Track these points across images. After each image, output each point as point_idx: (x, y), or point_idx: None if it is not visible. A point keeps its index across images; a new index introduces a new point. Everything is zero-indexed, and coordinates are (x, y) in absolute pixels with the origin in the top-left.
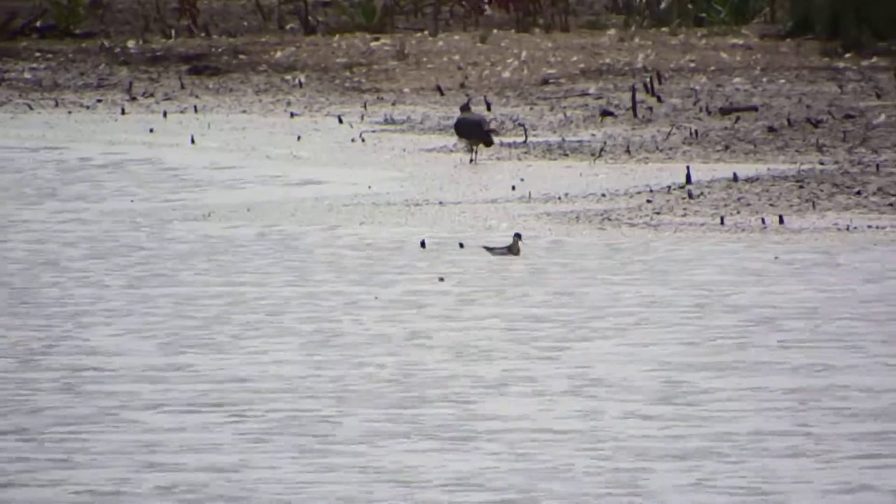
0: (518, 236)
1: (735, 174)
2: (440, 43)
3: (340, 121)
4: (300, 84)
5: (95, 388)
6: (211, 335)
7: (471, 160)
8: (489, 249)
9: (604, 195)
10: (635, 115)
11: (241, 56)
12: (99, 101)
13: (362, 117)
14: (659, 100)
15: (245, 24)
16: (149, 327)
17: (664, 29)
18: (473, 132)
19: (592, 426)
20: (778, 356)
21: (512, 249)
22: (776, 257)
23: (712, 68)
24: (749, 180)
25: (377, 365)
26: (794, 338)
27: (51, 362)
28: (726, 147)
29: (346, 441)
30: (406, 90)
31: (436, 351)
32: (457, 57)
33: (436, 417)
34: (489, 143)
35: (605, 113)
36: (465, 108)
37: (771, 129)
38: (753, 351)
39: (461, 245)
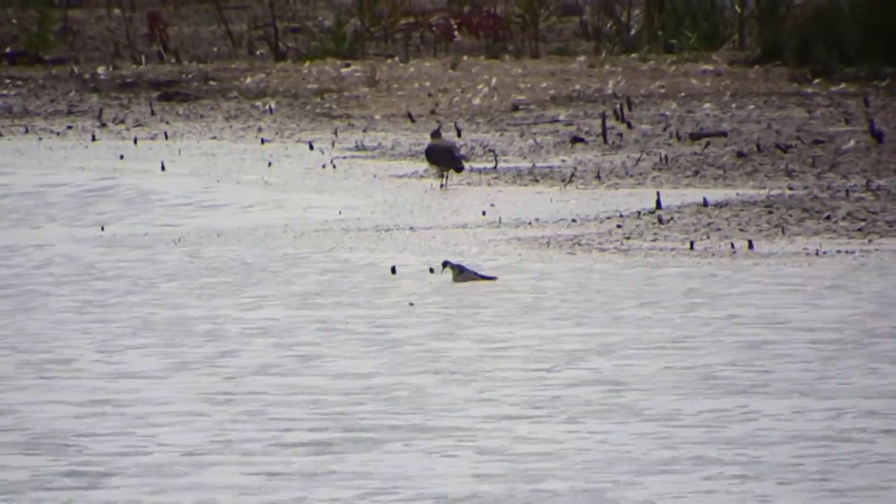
0: (447, 264)
1: (705, 199)
2: (411, 69)
3: (311, 147)
4: (270, 110)
5: None
6: (168, 357)
7: (441, 185)
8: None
9: (574, 220)
10: (605, 141)
11: (212, 82)
12: (69, 127)
13: (333, 143)
14: (629, 126)
15: (215, 50)
16: (104, 347)
17: (634, 55)
18: (444, 159)
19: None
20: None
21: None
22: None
23: (682, 94)
24: (718, 205)
25: (354, 375)
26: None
27: None
28: (696, 172)
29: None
30: (377, 116)
31: (406, 372)
32: (427, 83)
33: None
34: (459, 170)
35: (576, 139)
36: (435, 134)
37: (740, 155)
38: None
39: (431, 270)
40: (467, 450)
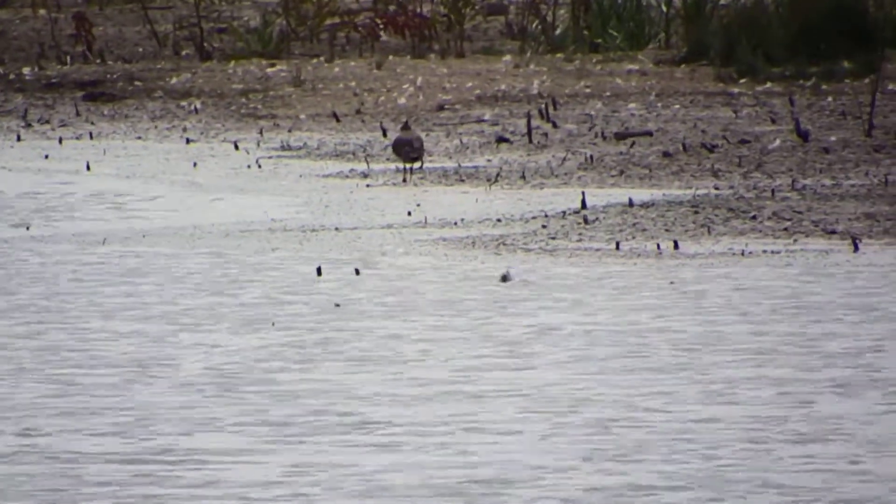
0: (506, 277)
1: (630, 199)
2: (336, 69)
3: (237, 147)
4: (196, 110)
5: None
6: (94, 359)
7: (403, 180)
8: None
9: (499, 220)
10: (531, 140)
11: (137, 82)
12: None
13: (258, 143)
14: (554, 125)
15: (140, 50)
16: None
17: (560, 55)
18: (399, 151)
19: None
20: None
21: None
22: (671, 282)
23: (608, 94)
24: (644, 205)
25: (275, 383)
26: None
27: None
28: (621, 172)
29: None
30: (302, 116)
31: (330, 368)
32: (353, 83)
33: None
34: (412, 162)
35: (501, 139)
36: (405, 126)
37: (666, 155)
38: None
39: (357, 271)
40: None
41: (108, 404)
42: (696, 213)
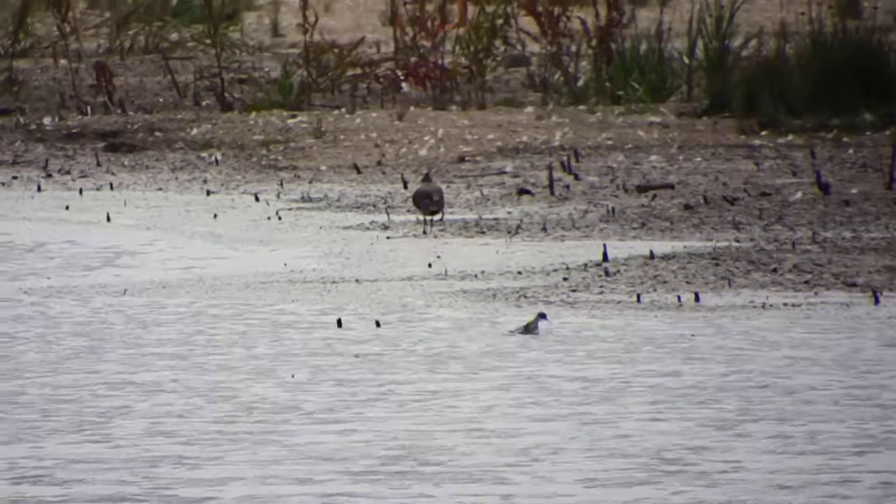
0: (542, 316)
1: (651, 252)
2: (357, 120)
3: (257, 198)
4: (216, 161)
5: None
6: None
7: (423, 231)
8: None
9: (520, 273)
10: (552, 192)
11: (157, 133)
12: (14, 177)
13: (279, 195)
14: (576, 177)
15: (161, 100)
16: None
17: (581, 107)
18: (418, 203)
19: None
20: None
21: (528, 328)
22: (692, 335)
23: (629, 146)
24: (665, 258)
25: (297, 436)
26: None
27: None
28: (643, 224)
29: None
30: (323, 168)
31: (353, 431)
32: (374, 134)
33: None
34: (431, 214)
35: (522, 191)
36: (425, 178)
37: (687, 207)
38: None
39: (377, 324)
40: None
41: (130, 454)
42: (717, 265)
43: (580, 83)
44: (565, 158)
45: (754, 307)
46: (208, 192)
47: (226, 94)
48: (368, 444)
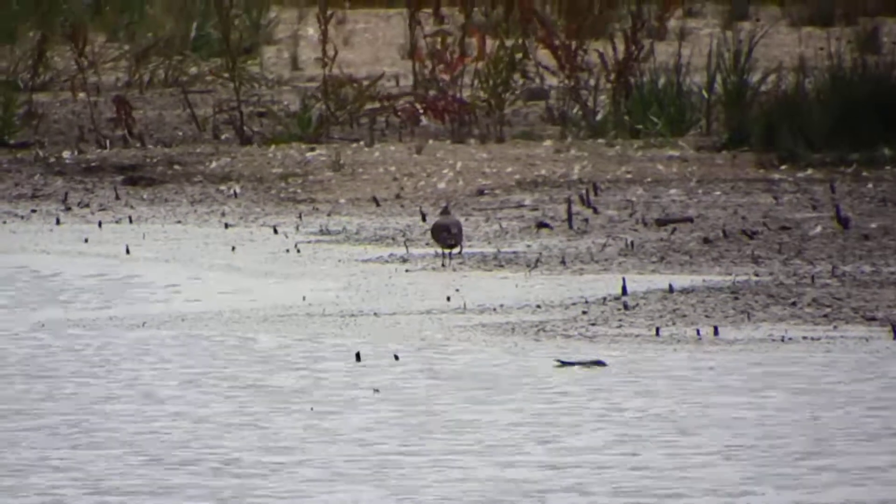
0: (600, 363)
1: (671, 285)
2: (376, 153)
3: (275, 231)
4: (235, 194)
5: None
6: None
7: (442, 265)
8: (564, 364)
9: (539, 306)
10: (571, 226)
11: (176, 166)
12: (34, 211)
13: (297, 228)
14: (595, 211)
15: (180, 133)
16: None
17: (600, 140)
18: (436, 236)
19: None
20: None
21: (599, 363)
22: (711, 368)
23: (648, 180)
24: (684, 291)
25: (316, 465)
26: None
27: None
28: (662, 258)
29: None
30: (342, 200)
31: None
32: (392, 168)
33: None
34: (450, 248)
35: (541, 224)
36: (444, 211)
37: (706, 241)
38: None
39: (396, 357)
40: None
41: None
42: (736, 299)
43: (599, 117)
44: (584, 192)
45: (773, 341)
46: (227, 225)
47: (245, 128)
48: None
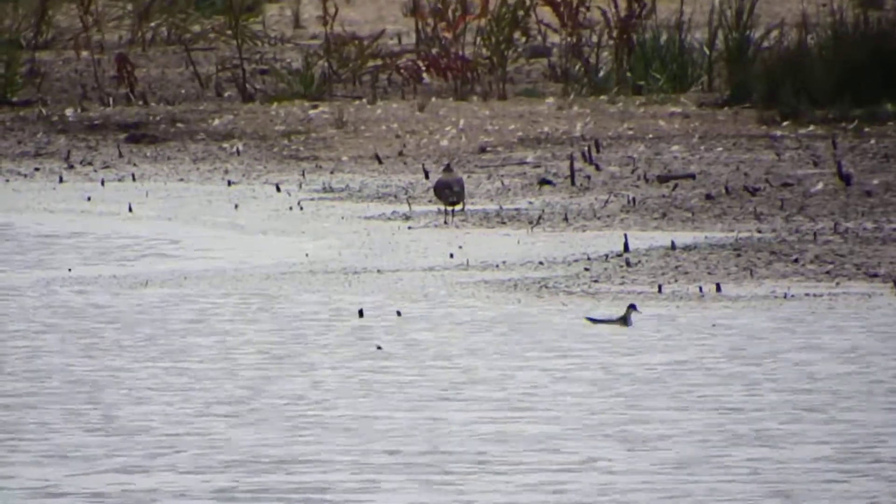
0: (633, 307)
1: (673, 242)
2: (378, 111)
3: (278, 189)
4: (238, 152)
5: None
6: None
7: (445, 222)
8: (593, 321)
9: (541, 263)
10: (573, 183)
11: (179, 124)
12: (37, 169)
13: (300, 185)
14: (597, 168)
15: (183, 91)
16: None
17: (603, 97)
18: (440, 193)
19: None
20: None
21: (625, 320)
22: (713, 324)
23: (650, 136)
24: (687, 248)
25: (318, 422)
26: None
27: None
28: (664, 215)
29: None
30: (344, 158)
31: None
32: (395, 125)
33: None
34: (452, 205)
35: (543, 181)
36: (446, 169)
37: (708, 197)
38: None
39: (399, 313)
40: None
41: (172, 443)
42: (739, 256)
43: (601, 74)
44: (586, 149)
45: (776, 297)
46: (230, 183)
47: (247, 86)
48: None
